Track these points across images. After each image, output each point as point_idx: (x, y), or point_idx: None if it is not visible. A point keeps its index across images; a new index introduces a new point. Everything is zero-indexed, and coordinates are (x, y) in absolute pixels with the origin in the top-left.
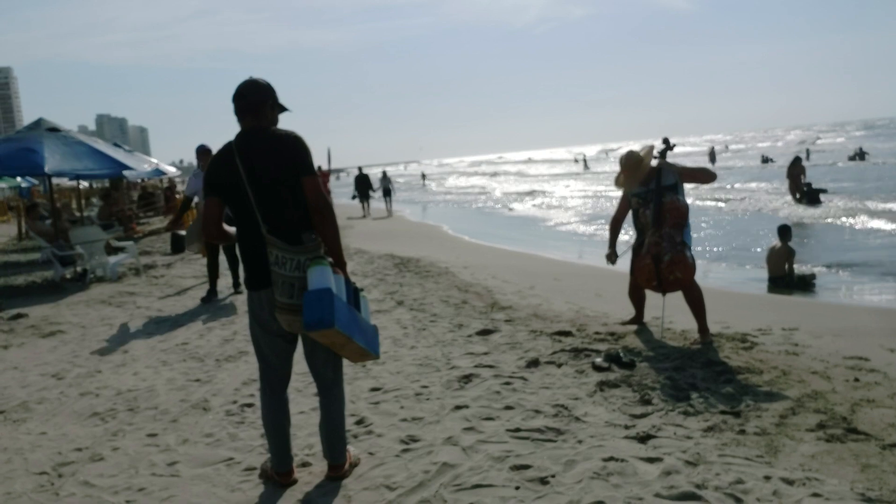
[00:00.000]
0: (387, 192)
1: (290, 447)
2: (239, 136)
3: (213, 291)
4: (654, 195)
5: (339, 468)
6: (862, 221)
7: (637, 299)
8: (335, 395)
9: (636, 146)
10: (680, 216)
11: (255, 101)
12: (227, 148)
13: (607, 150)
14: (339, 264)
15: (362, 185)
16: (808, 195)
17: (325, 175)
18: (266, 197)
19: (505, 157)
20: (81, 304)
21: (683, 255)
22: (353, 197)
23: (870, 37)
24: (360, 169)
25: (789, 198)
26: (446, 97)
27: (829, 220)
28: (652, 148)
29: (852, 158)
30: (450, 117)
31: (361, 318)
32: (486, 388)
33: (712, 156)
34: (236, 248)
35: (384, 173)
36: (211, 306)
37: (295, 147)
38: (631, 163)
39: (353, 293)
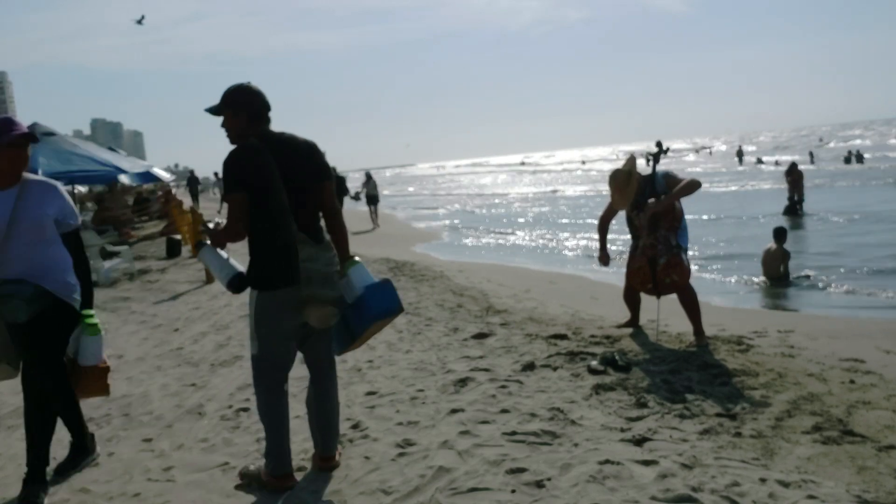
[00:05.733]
0: (372, 199)
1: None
2: (264, 137)
3: (40, 476)
4: (647, 199)
5: (332, 459)
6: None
7: (632, 303)
8: (334, 376)
9: (614, 149)
10: (675, 219)
11: (268, 105)
12: (257, 148)
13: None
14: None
15: (336, 190)
16: (791, 207)
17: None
18: (298, 197)
19: (492, 160)
20: None
21: (679, 258)
22: None
23: (867, 38)
24: (333, 169)
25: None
26: (442, 100)
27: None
28: (633, 159)
29: (847, 161)
30: (445, 121)
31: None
32: (481, 392)
33: (740, 155)
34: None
35: (368, 176)
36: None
37: (319, 153)
38: (620, 181)
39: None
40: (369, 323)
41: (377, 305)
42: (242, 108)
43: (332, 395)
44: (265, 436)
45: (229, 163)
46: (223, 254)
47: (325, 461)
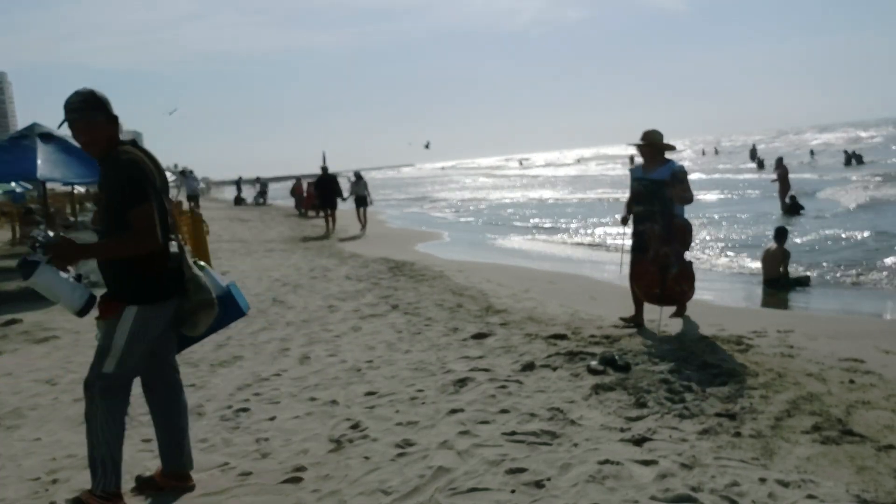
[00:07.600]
0: (361, 201)
1: None
2: (137, 146)
3: None
4: (663, 214)
5: (189, 477)
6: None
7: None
8: (181, 382)
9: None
10: (687, 233)
11: None
12: (141, 156)
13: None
14: None
15: (326, 190)
16: (791, 206)
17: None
18: (166, 207)
19: (478, 161)
20: None
21: (691, 271)
22: (313, 206)
23: (870, 38)
24: (324, 169)
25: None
26: (440, 100)
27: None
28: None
29: (847, 163)
30: (444, 120)
31: None
32: (481, 392)
33: (753, 153)
34: None
35: (358, 176)
36: None
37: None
38: (651, 136)
39: None
40: (233, 320)
41: (243, 303)
42: (112, 116)
43: (185, 404)
44: (97, 452)
45: (136, 173)
46: (63, 274)
47: (182, 479)
